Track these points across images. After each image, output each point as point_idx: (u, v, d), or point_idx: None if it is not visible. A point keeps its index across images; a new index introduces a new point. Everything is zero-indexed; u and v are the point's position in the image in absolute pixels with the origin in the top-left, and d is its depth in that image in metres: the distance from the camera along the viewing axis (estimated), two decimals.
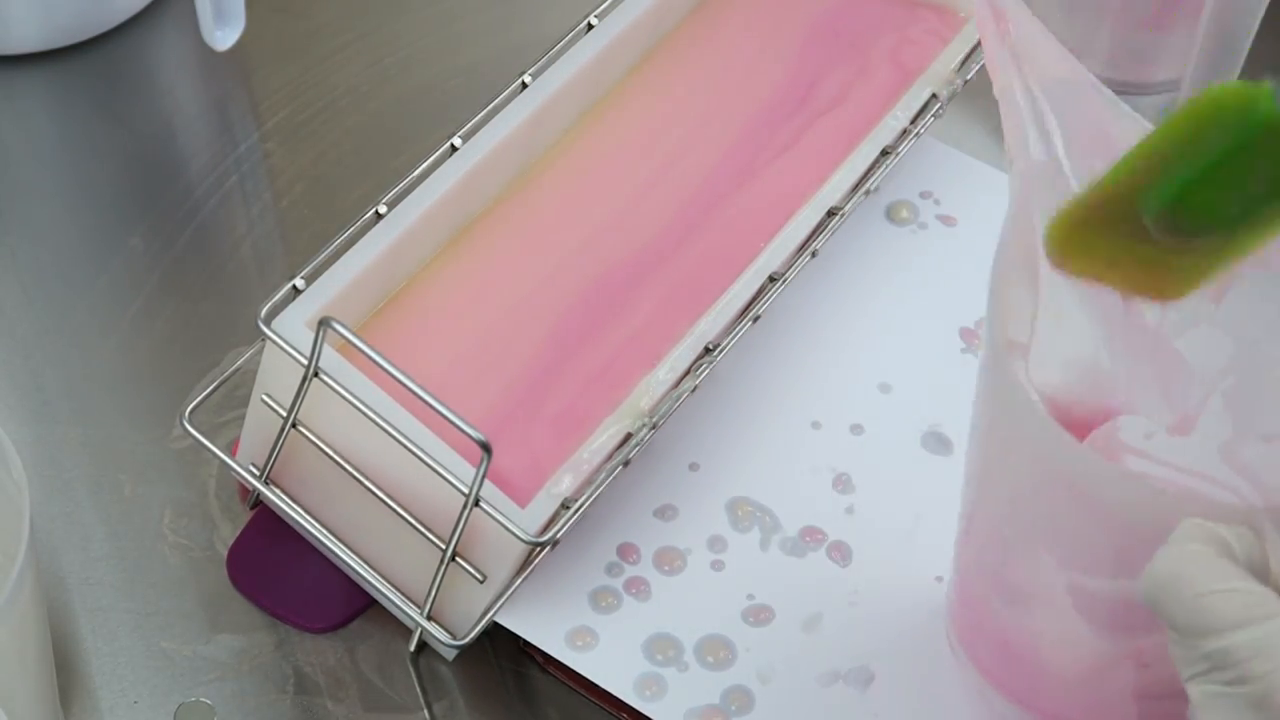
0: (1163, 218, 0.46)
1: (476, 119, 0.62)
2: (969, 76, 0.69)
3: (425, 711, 0.59)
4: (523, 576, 0.57)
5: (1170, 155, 0.46)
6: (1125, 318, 0.50)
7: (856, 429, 0.64)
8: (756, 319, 0.62)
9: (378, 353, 0.54)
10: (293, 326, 0.56)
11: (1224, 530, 0.43)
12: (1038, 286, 0.51)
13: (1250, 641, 0.41)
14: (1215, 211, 0.46)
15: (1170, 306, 0.50)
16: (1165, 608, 0.43)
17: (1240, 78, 0.71)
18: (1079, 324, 0.50)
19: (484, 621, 0.57)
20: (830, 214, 0.64)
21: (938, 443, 0.64)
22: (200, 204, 0.73)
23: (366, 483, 0.57)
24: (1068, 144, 0.52)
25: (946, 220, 0.71)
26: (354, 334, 0.54)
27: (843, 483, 0.63)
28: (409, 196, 0.60)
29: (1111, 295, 0.49)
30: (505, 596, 0.57)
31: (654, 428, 0.58)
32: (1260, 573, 0.43)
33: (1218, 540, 0.43)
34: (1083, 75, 0.53)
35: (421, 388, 0.53)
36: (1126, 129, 0.50)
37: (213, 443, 0.59)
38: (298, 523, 0.59)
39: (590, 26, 0.66)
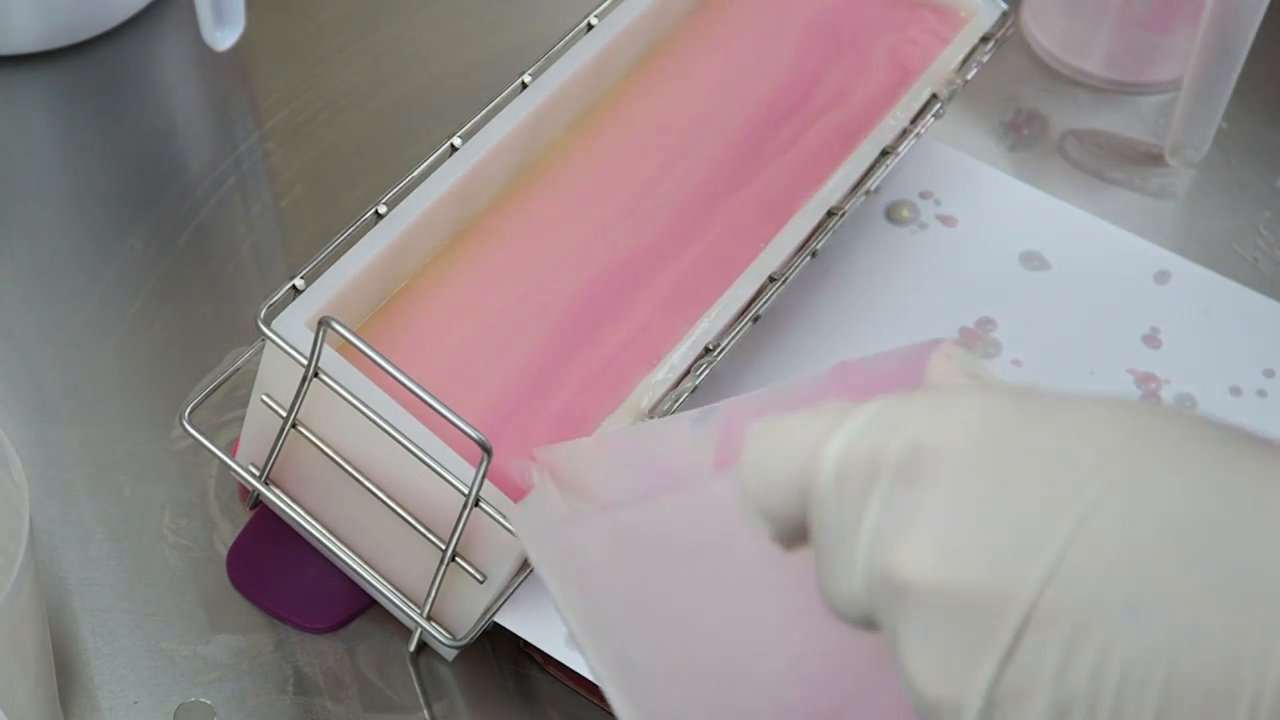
0: None
1: (476, 119, 0.62)
2: (969, 76, 0.69)
3: (425, 711, 0.59)
4: (523, 576, 0.57)
5: None
6: None
7: None
8: (756, 319, 0.62)
9: (378, 353, 0.54)
10: (292, 327, 0.56)
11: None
12: None
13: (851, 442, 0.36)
14: None
15: None
16: (772, 497, 0.38)
17: (1240, 78, 0.72)
18: None
19: (484, 621, 0.57)
20: (830, 214, 0.64)
21: None
22: (200, 204, 0.73)
23: (366, 483, 0.57)
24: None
25: (946, 220, 0.71)
26: (354, 334, 0.54)
27: None
28: (409, 196, 0.60)
29: None
30: (505, 596, 0.57)
31: None
32: None
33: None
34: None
35: (421, 388, 0.53)
36: None
37: (213, 443, 0.59)
38: (297, 523, 0.59)
39: (590, 26, 0.66)
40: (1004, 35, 0.70)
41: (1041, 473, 0.34)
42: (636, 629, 0.43)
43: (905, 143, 0.66)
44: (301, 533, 0.60)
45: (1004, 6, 0.70)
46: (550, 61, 0.64)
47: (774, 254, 0.62)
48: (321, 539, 0.59)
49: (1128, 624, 0.33)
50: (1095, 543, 0.33)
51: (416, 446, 0.55)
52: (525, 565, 0.57)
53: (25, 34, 0.76)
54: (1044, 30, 0.80)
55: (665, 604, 0.43)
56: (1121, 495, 0.34)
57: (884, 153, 0.66)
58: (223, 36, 0.73)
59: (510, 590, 0.57)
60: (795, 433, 0.38)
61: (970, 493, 0.35)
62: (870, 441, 0.36)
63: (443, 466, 0.54)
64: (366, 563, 0.59)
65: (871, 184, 0.65)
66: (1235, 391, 0.67)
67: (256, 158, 0.74)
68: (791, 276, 0.62)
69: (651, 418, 0.58)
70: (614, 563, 0.43)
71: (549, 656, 0.58)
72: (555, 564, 0.44)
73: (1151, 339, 0.68)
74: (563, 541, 0.44)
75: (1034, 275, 0.70)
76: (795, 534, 0.38)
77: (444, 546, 0.56)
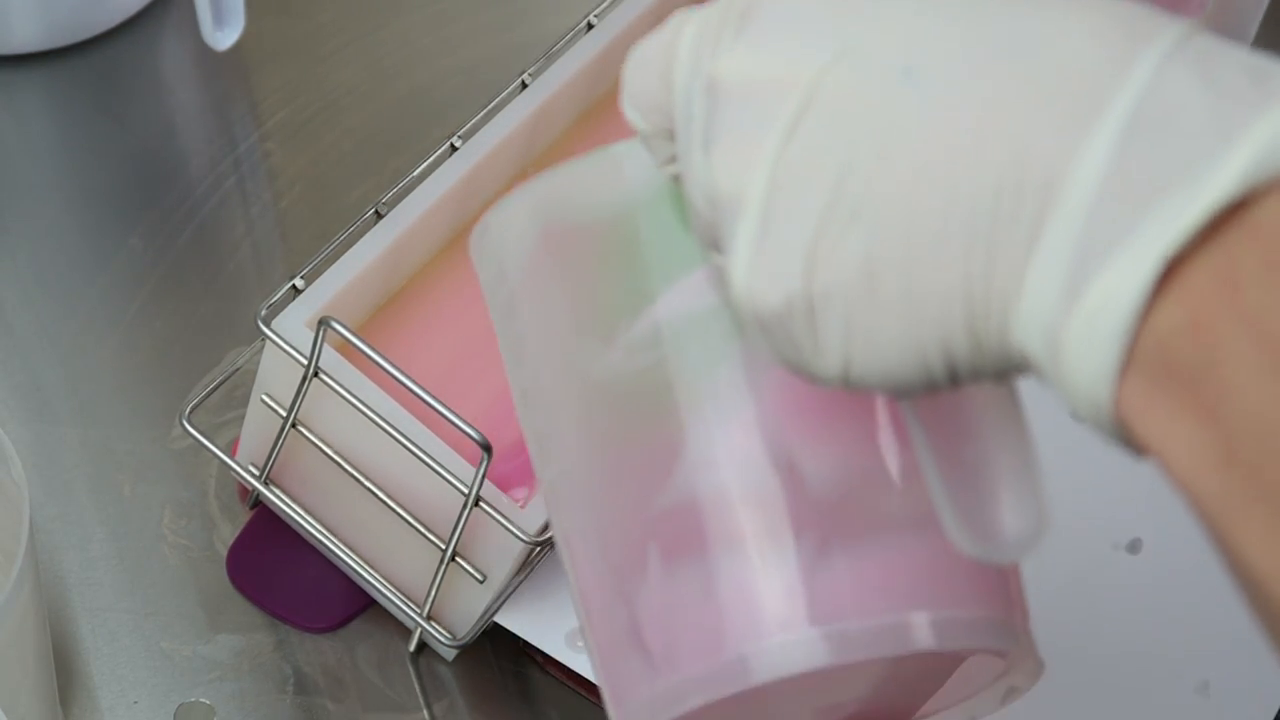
0: None
1: (476, 119, 0.62)
2: None
3: (425, 711, 0.59)
4: (522, 577, 0.57)
5: None
6: None
7: None
8: None
9: (378, 353, 0.54)
10: (292, 326, 0.56)
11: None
12: None
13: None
14: None
15: None
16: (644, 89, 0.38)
17: None
18: None
19: (484, 621, 0.57)
20: None
21: None
22: (200, 204, 0.73)
23: (366, 483, 0.57)
24: None
25: None
26: (354, 334, 0.54)
27: None
28: (409, 196, 0.60)
29: None
30: (505, 596, 0.57)
31: None
32: None
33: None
34: None
35: (421, 388, 0.53)
36: None
37: (213, 443, 0.59)
38: (298, 523, 0.59)
39: (590, 26, 0.66)
40: None
41: None
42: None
43: None
44: (301, 533, 0.60)
45: None
46: (550, 61, 0.64)
47: None
48: (321, 539, 0.59)
49: (902, 87, 0.33)
50: (884, 27, 0.34)
51: (416, 446, 0.55)
52: (525, 565, 0.57)
53: (25, 34, 0.76)
54: None
55: None
56: None
57: None
58: (223, 36, 0.73)
59: (510, 590, 0.57)
60: (671, 24, 0.39)
61: (793, 6, 0.36)
62: (721, 5, 0.37)
63: (443, 466, 0.54)
64: (366, 563, 0.59)
65: None
66: None
67: (256, 158, 0.74)
68: None
69: None
70: None
71: (549, 656, 0.58)
72: None
73: None
74: None
75: None
76: (665, 132, 0.38)
77: (444, 546, 0.56)
